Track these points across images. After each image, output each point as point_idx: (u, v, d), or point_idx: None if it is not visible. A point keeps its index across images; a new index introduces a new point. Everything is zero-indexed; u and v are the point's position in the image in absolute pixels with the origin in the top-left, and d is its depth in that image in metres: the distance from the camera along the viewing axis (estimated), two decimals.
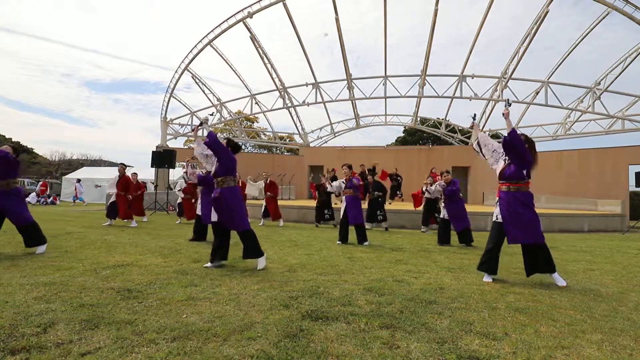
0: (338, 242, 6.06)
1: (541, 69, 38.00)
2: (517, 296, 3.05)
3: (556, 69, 14.23)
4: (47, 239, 4.56)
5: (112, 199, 8.49)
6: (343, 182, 6.48)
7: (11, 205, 4.12)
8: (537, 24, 12.48)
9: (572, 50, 13.48)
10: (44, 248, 4.44)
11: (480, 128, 20.88)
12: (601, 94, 13.75)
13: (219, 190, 3.91)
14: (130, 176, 9.20)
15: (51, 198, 18.29)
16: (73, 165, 40.79)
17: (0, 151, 3.99)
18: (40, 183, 19.80)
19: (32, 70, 64.97)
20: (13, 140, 47.13)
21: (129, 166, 18.60)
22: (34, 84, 65.65)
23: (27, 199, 17.14)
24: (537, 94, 14.76)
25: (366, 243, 6.01)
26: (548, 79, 14.38)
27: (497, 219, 3.61)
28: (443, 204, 6.42)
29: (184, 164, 7.09)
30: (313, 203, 10.80)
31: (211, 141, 3.85)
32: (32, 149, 49.41)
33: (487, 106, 17.71)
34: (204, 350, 1.86)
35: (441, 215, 6.48)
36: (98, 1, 61.90)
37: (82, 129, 70.28)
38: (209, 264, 3.90)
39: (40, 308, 2.41)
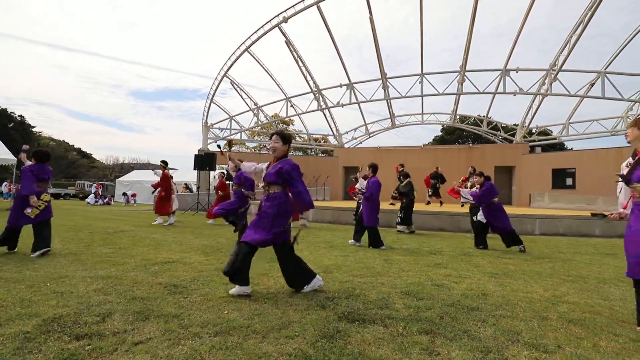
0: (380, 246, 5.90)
1: (591, 58, 34.62)
2: (571, 306, 2.81)
3: (615, 57, 12.94)
4: (105, 235, 4.99)
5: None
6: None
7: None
8: (592, 8, 11.43)
9: (634, 36, 12.19)
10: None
11: (527, 125, 19.34)
12: None
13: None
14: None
15: (107, 199, 20.25)
16: (125, 168, 44.36)
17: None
18: (96, 184, 22.66)
19: (86, 82, 72.09)
20: (75, 146, 52.17)
21: (173, 169, 19.83)
22: (89, 95, 72.79)
23: (87, 200, 19.27)
24: (592, 85, 13.51)
25: (383, 247, 5.65)
26: (605, 68, 13.11)
27: None
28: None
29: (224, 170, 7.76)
30: (347, 204, 10.75)
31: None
32: (91, 154, 54.39)
33: (533, 101, 16.54)
34: (244, 346, 1.93)
35: (477, 218, 6.11)
36: (138, 17, 67.32)
37: (131, 135, 76.54)
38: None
39: (99, 299, 2.64)
